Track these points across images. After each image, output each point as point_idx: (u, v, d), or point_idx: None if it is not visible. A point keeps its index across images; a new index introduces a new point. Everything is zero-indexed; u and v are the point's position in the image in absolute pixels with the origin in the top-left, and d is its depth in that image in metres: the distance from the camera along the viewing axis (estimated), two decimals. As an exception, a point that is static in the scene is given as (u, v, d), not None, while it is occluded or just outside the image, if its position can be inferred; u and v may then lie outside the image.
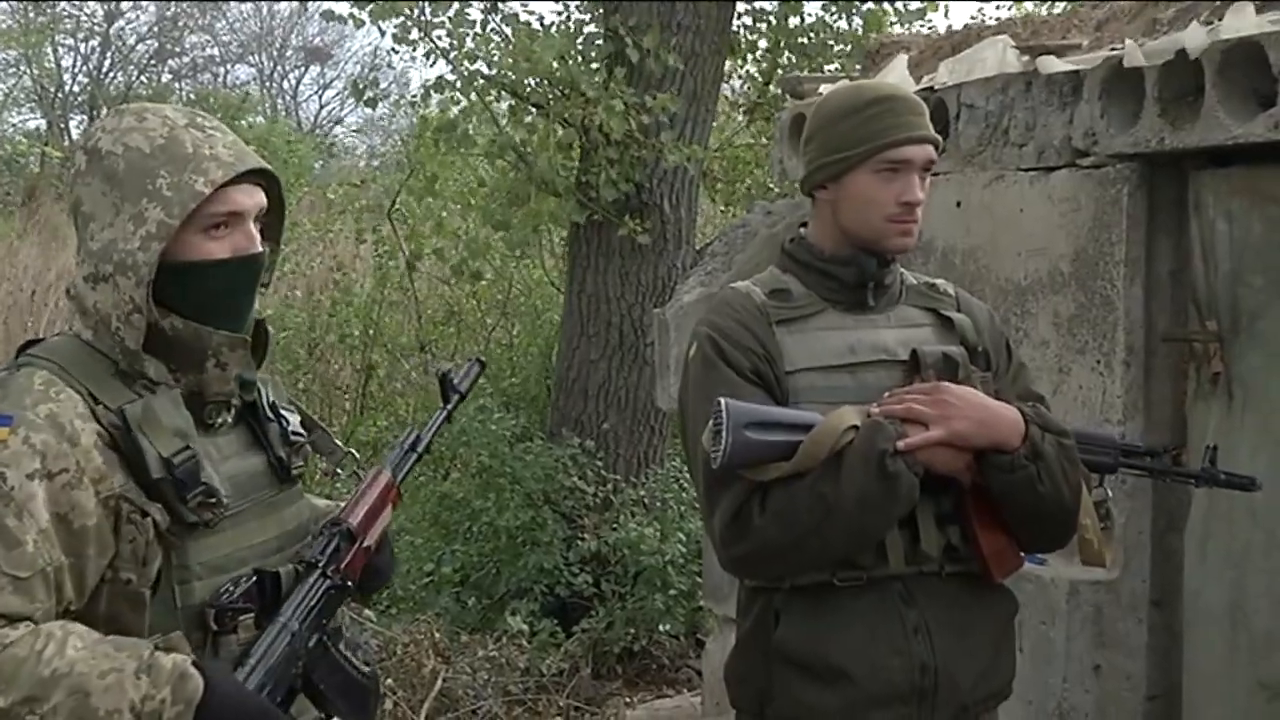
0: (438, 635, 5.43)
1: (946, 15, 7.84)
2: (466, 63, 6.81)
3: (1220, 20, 3.00)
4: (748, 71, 8.23)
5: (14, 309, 9.70)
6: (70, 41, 22.09)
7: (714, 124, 7.56)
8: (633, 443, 7.00)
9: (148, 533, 1.73)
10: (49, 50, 21.47)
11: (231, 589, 1.80)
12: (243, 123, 17.32)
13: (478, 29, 6.93)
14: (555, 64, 6.52)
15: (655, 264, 6.92)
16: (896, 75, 3.98)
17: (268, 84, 26.30)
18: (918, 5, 7.96)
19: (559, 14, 7.51)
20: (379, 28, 7.13)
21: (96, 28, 22.29)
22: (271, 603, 1.81)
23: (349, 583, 1.89)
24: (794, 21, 7.85)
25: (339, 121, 25.84)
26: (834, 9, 7.83)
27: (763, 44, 7.98)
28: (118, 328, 1.77)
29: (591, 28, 7.17)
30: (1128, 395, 3.21)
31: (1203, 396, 3.15)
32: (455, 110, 7.30)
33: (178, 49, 24.09)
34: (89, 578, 1.72)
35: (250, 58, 26.21)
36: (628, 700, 5.81)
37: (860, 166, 2.18)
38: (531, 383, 8.33)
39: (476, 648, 5.59)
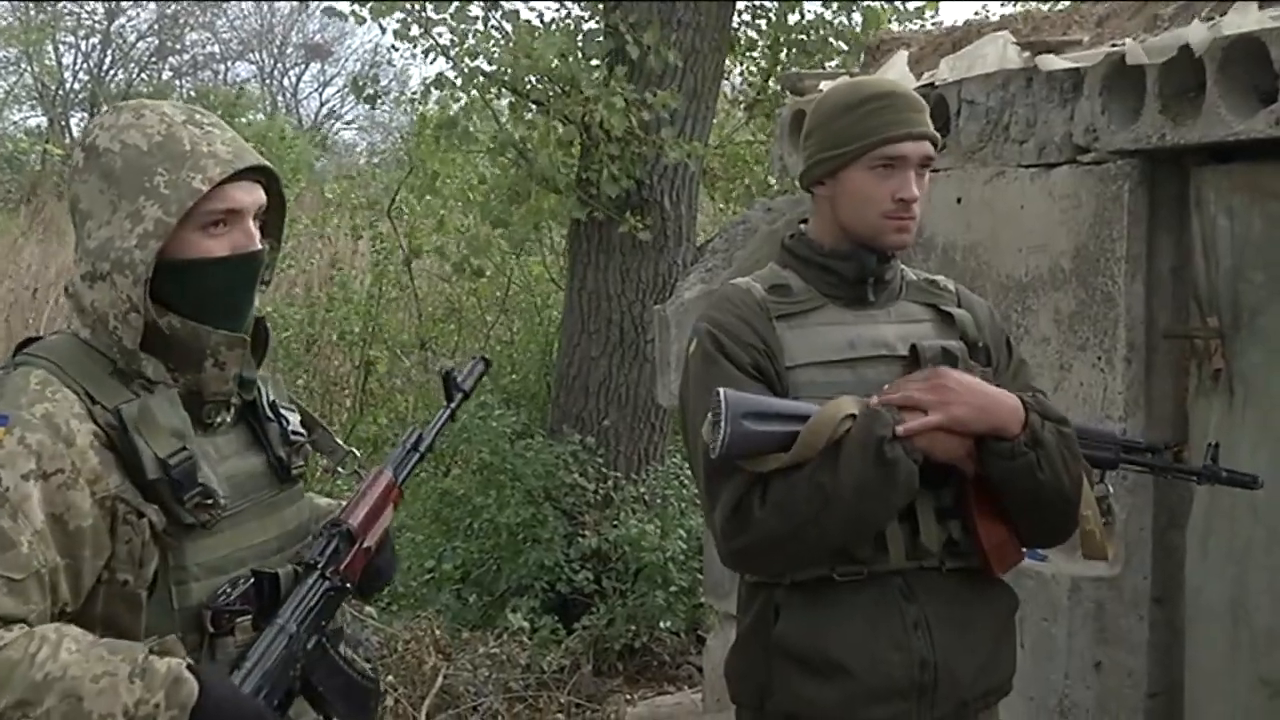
0: (439, 632, 5.44)
1: (935, 14, 7.74)
2: (467, 60, 6.81)
3: (1221, 16, 3.00)
4: (748, 68, 8.22)
5: (15, 306, 9.71)
6: (71, 39, 22.10)
7: (714, 121, 7.55)
8: (633, 439, 7.00)
9: (144, 534, 1.72)
10: (50, 48, 21.46)
11: (229, 591, 1.79)
12: (242, 119, 17.30)
13: (478, 26, 6.92)
14: (555, 61, 6.52)
15: (656, 261, 6.92)
16: (897, 71, 3.98)
17: (268, 81, 26.31)
18: (917, 4, 7.95)
19: (558, 12, 7.50)
20: (380, 25, 7.13)
21: (97, 25, 22.29)
22: (270, 604, 1.80)
23: (348, 584, 1.87)
24: (793, 19, 7.84)
25: (340, 118, 25.85)
26: (834, 6, 7.83)
27: (762, 41, 7.97)
28: (115, 326, 1.75)
29: (591, 25, 7.17)
30: (1129, 392, 3.21)
31: (1204, 393, 3.15)
32: (456, 107, 7.30)
33: (178, 46, 24.09)
34: (85, 579, 1.70)
35: (251, 55, 26.21)
36: (628, 697, 5.81)
37: (856, 163, 2.18)
38: (532, 379, 8.33)
39: (477, 644, 5.60)
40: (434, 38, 6.95)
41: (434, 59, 7.00)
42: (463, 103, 7.19)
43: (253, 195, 1.82)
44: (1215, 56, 2.90)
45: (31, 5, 19.67)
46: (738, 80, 8.52)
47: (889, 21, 7.69)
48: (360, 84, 7.65)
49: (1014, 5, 8.71)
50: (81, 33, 22.18)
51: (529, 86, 6.87)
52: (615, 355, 6.96)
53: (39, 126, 21.44)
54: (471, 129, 7.29)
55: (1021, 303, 3.44)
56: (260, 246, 1.84)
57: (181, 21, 23.47)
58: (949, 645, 2.16)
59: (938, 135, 2.24)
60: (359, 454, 2.16)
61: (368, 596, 2.16)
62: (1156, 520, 3.25)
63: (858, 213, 2.20)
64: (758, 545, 2.10)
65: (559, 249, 8.83)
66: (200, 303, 1.79)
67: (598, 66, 6.78)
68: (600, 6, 7.04)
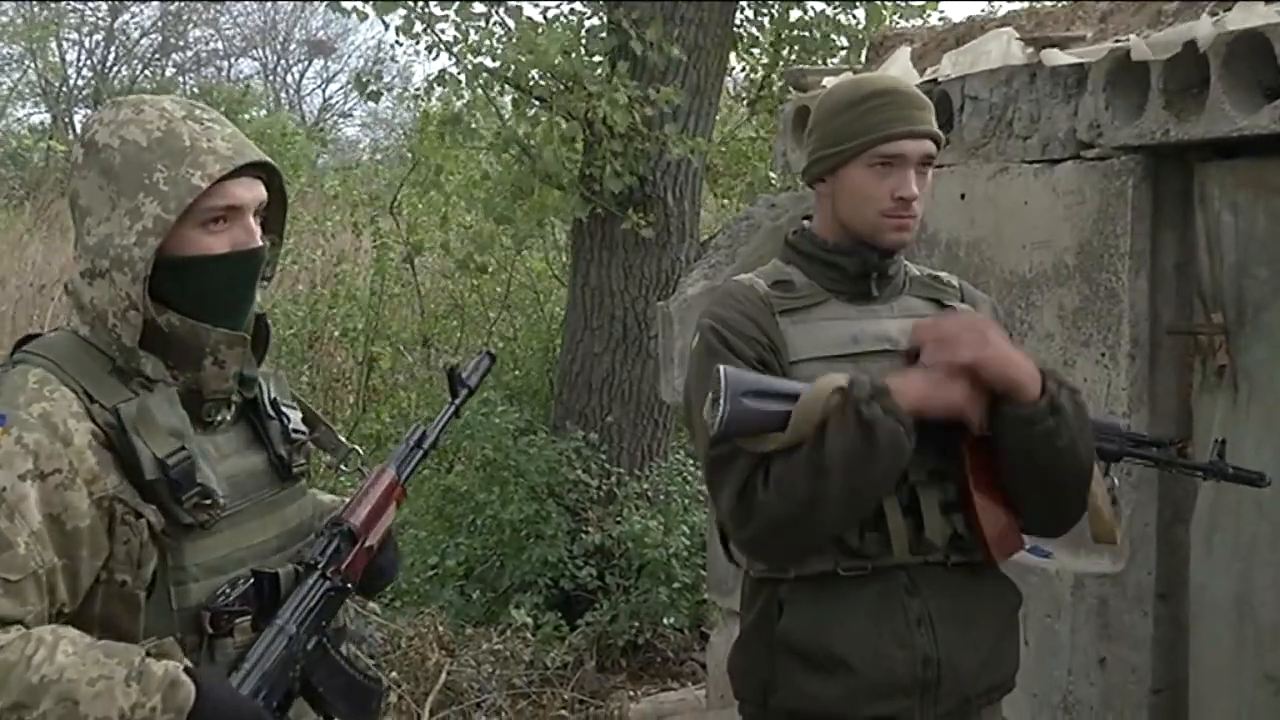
0: (442, 628, 5.43)
1: (941, 12, 7.75)
2: (470, 56, 6.80)
3: (1225, 12, 2.99)
4: (751, 65, 8.21)
5: (21, 303, 9.72)
6: (75, 36, 22.11)
7: (716, 117, 7.55)
8: (636, 436, 6.99)
9: (142, 534, 1.70)
10: (53, 44, 21.47)
11: (228, 591, 1.77)
12: (244, 116, 17.30)
13: (481, 23, 6.92)
14: (559, 57, 6.51)
15: (659, 257, 6.92)
16: (900, 68, 3.97)
17: (271, 78, 26.32)
18: (918, 3, 7.94)
19: (562, 8, 7.51)
20: (383, 21, 7.12)
21: (101, 22, 22.30)
22: (270, 605, 1.78)
23: (349, 584, 1.85)
24: (795, 15, 7.83)
25: (344, 114, 25.85)
26: (835, 4, 7.82)
27: (764, 38, 7.96)
28: (114, 324, 1.74)
29: (594, 21, 7.17)
30: (1133, 388, 3.20)
31: (1208, 389, 3.14)
32: (459, 104, 7.30)
33: (181, 43, 24.09)
34: (82, 579, 1.69)
35: (254, 52, 26.22)
36: (632, 693, 5.80)
37: (855, 160, 2.18)
38: (534, 376, 8.33)
39: (481, 641, 5.60)
40: (437, 34, 6.95)
41: (437, 55, 7.01)
42: (466, 99, 7.18)
43: (253, 191, 1.81)
44: (1220, 52, 2.90)
45: (35, 2, 19.68)
46: (740, 76, 8.51)
47: (893, 17, 7.68)
48: (364, 80, 7.64)
49: (1018, 1, 8.70)
50: (85, 29, 22.20)
51: (532, 83, 6.87)
52: (618, 351, 6.95)
53: (43, 123, 21.45)
54: (475, 124, 7.28)
55: (1025, 299, 3.43)
56: (261, 243, 1.82)
57: (185, 18, 23.48)
58: (952, 641, 2.15)
59: (940, 134, 2.23)
60: (361, 451, 2.15)
61: (370, 595, 2.15)
62: (1161, 516, 3.24)
63: (857, 210, 2.20)
64: (765, 530, 2.08)
65: (561, 245, 8.83)
66: (200, 300, 1.78)
67: (601, 63, 6.78)
68: (603, 3, 7.03)
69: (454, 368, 2.13)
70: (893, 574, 2.15)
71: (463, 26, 6.85)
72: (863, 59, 5.13)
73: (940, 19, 7.49)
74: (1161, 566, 3.24)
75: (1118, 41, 3.24)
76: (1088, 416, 2.19)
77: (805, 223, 2.33)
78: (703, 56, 6.89)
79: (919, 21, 7.80)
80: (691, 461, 6.91)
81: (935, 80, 3.70)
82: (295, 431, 1.94)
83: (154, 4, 23.14)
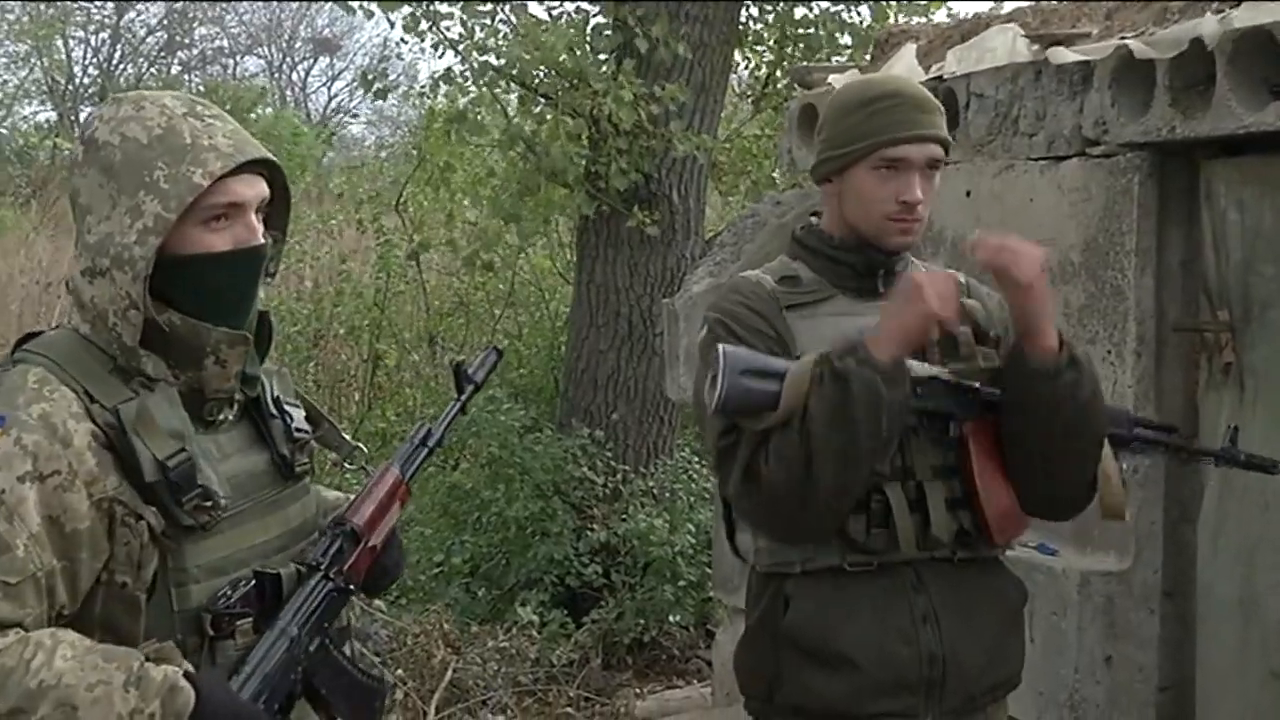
0: (448, 626, 5.44)
1: (949, 9, 7.71)
2: (476, 53, 6.80)
3: (1232, 9, 2.98)
4: (755, 63, 8.20)
5: (27, 301, 9.73)
6: (80, 34, 22.16)
7: (721, 115, 7.54)
8: (642, 433, 6.99)
9: (142, 536, 1.69)
10: (59, 43, 21.52)
11: (230, 592, 1.76)
12: (251, 115, 17.31)
13: (487, 20, 6.92)
14: (564, 55, 6.51)
15: (664, 254, 6.91)
16: (904, 65, 3.97)
17: (277, 75, 26.34)
18: (921, 2, 7.93)
19: (567, 5, 7.50)
20: (389, 19, 7.12)
21: (107, 20, 22.35)
22: (271, 606, 1.77)
23: (352, 585, 1.84)
24: (800, 12, 7.82)
25: (349, 113, 25.88)
26: (840, 1, 7.81)
27: (769, 35, 7.95)
28: (114, 323, 1.72)
29: (600, 18, 7.16)
30: (1139, 385, 3.20)
31: (1214, 386, 3.14)
32: (464, 101, 7.30)
33: (187, 41, 24.15)
34: (82, 581, 1.67)
35: (259, 49, 26.26)
36: (638, 691, 5.81)
37: (860, 163, 2.17)
38: (540, 373, 8.33)
39: (486, 638, 5.60)
40: (442, 32, 6.95)
41: (443, 53, 7.02)
42: (472, 95, 7.18)
43: (255, 188, 1.79)
44: (1226, 49, 2.89)
45: (42, 1, 19.71)
46: (745, 74, 8.50)
47: (898, 14, 7.67)
48: (369, 78, 7.64)
49: (1023, -1, 8.68)
50: (91, 28, 22.27)
51: (537, 80, 6.86)
52: (624, 349, 6.95)
53: (49, 121, 21.50)
54: (481, 119, 7.28)
55: (1031, 296, 3.42)
56: (262, 240, 1.80)
57: (190, 16, 23.54)
58: (957, 638, 2.15)
59: (948, 137, 2.22)
60: (366, 448, 2.14)
61: (375, 594, 2.13)
62: (1168, 514, 3.24)
63: (862, 212, 2.20)
64: (769, 504, 2.08)
65: (566, 242, 8.82)
66: (202, 299, 1.76)
67: (606, 60, 6.77)
68: (608, 0, 7.03)
69: (460, 363, 2.11)
70: (899, 570, 2.15)
71: (468, 24, 6.85)
72: (868, 56, 5.11)
73: (949, 15, 7.48)
74: (1168, 565, 3.23)
75: (1123, 38, 3.23)
76: (1097, 375, 2.19)
77: (813, 219, 2.33)
78: (708, 54, 6.88)
79: (924, 19, 7.79)
80: (697, 459, 6.91)
81: (940, 77, 3.69)
82: (298, 430, 1.92)
83: (160, 2, 23.21)
